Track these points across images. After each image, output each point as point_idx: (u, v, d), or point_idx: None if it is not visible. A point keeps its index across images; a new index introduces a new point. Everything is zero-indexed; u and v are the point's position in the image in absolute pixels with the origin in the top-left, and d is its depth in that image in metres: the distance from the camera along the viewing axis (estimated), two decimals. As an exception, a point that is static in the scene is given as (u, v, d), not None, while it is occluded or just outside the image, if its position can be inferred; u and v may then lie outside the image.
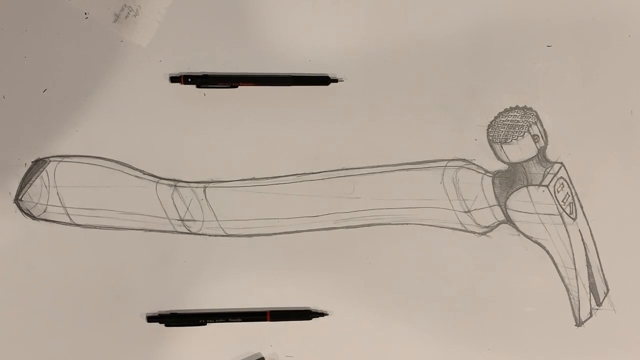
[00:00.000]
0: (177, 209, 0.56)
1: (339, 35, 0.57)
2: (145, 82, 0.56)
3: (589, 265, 0.58)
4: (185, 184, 0.57)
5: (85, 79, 0.56)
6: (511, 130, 0.57)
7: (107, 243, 0.56)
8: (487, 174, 0.58)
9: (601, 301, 0.58)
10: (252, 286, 0.57)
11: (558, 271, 0.58)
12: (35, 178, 0.56)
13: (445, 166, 0.57)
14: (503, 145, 0.57)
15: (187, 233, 0.57)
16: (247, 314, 0.57)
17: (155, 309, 0.57)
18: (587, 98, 0.58)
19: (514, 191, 0.57)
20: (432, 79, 0.57)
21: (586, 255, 0.58)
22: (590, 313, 0.58)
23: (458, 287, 0.58)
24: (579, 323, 0.58)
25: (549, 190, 0.57)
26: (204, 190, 0.57)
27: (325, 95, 0.57)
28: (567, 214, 0.57)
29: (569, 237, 0.57)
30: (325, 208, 0.57)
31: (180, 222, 0.57)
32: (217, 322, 0.56)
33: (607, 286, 0.58)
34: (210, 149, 0.57)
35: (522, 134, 0.57)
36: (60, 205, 0.56)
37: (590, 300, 0.58)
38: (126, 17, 0.56)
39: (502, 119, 0.57)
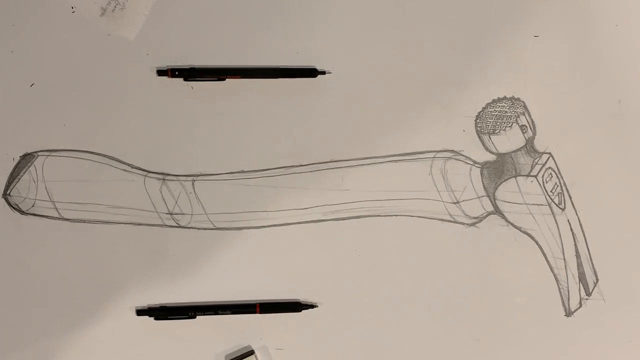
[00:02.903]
0: (165, 202, 0.56)
1: (326, 27, 0.57)
2: (132, 75, 0.56)
3: (578, 256, 0.58)
4: (174, 178, 0.57)
5: (72, 73, 0.56)
6: (499, 120, 0.57)
7: (95, 237, 0.56)
8: (476, 164, 0.58)
9: (590, 291, 0.58)
10: (241, 279, 0.57)
11: (547, 261, 0.58)
12: (24, 173, 0.56)
13: (434, 157, 0.57)
14: (491, 136, 0.57)
15: (176, 226, 0.57)
16: (237, 306, 0.57)
17: (144, 303, 0.57)
18: (575, 88, 0.58)
19: (503, 182, 0.57)
20: (419, 70, 0.57)
21: (575, 245, 0.58)
22: (580, 303, 0.58)
23: (447, 278, 0.58)
24: (568, 313, 0.58)
25: (537, 180, 0.57)
26: (193, 184, 0.57)
27: (312, 87, 0.57)
28: (555, 204, 0.57)
29: (557, 227, 0.57)
30: (314, 200, 0.57)
31: (169, 215, 0.57)
32: (207, 315, 0.56)
33: (596, 276, 0.58)
34: (198, 142, 0.56)
35: (510, 125, 0.57)
36: (48, 199, 0.56)
37: (579, 290, 0.58)
38: (113, 10, 0.56)
39: (490, 109, 0.57)
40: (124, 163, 0.56)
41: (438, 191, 0.57)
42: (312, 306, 0.57)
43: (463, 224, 0.58)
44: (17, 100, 0.56)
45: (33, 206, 0.56)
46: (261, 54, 0.56)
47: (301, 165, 0.57)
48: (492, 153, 0.57)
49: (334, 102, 0.57)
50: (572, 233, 0.58)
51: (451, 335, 0.58)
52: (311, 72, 0.56)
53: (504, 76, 0.57)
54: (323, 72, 0.56)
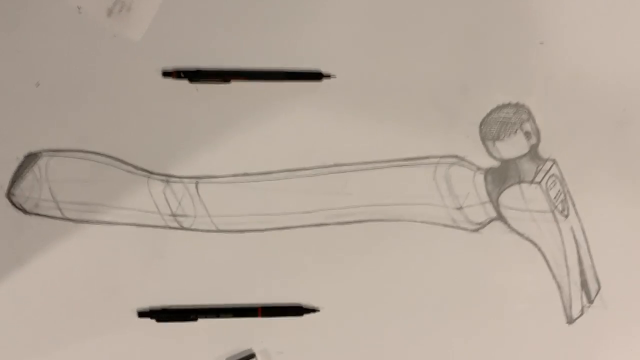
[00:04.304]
0: (168, 204, 0.56)
1: (332, 31, 0.57)
2: (137, 76, 0.56)
3: (580, 263, 0.58)
4: (177, 179, 0.57)
5: (77, 73, 0.56)
6: (503, 127, 0.57)
7: (98, 238, 0.56)
8: (479, 170, 0.58)
9: (593, 298, 0.58)
10: (244, 282, 0.57)
11: (550, 268, 0.58)
12: (27, 172, 0.56)
13: (438, 163, 0.57)
14: (495, 142, 0.57)
15: (179, 228, 0.57)
16: (238, 309, 0.57)
17: (146, 304, 0.57)
18: (579, 95, 0.58)
19: (506, 188, 0.57)
20: (424, 75, 0.57)
21: (578, 252, 0.58)
22: (582, 310, 0.58)
23: (449, 283, 0.58)
24: (570, 320, 0.58)
25: (541, 187, 0.57)
26: (196, 186, 0.57)
27: (317, 91, 0.57)
28: (559, 211, 0.57)
29: (560, 234, 0.57)
30: (317, 204, 0.57)
31: (172, 217, 0.57)
32: (208, 317, 0.56)
33: (598, 283, 0.58)
34: (203, 144, 0.56)
35: (514, 131, 0.57)
36: (52, 199, 0.56)
37: (581, 297, 0.58)
38: (119, 11, 0.56)
39: (495, 115, 0.57)
40: (128, 164, 0.56)
41: (441, 196, 0.57)
42: (314, 310, 0.57)
43: (466, 229, 0.58)
44: (22, 99, 0.56)
45: (36, 206, 0.56)
46: (266, 57, 0.56)
47: (305, 169, 0.57)
48: (496, 159, 0.57)
49: (339, 106, 0.57)
50: (575, 240, 0.58)
51: (453, 341, 0.58)
52: (316, 76, 0.56)
53: (508, 82, 0.57)
54: (328, 76, 0.56)
